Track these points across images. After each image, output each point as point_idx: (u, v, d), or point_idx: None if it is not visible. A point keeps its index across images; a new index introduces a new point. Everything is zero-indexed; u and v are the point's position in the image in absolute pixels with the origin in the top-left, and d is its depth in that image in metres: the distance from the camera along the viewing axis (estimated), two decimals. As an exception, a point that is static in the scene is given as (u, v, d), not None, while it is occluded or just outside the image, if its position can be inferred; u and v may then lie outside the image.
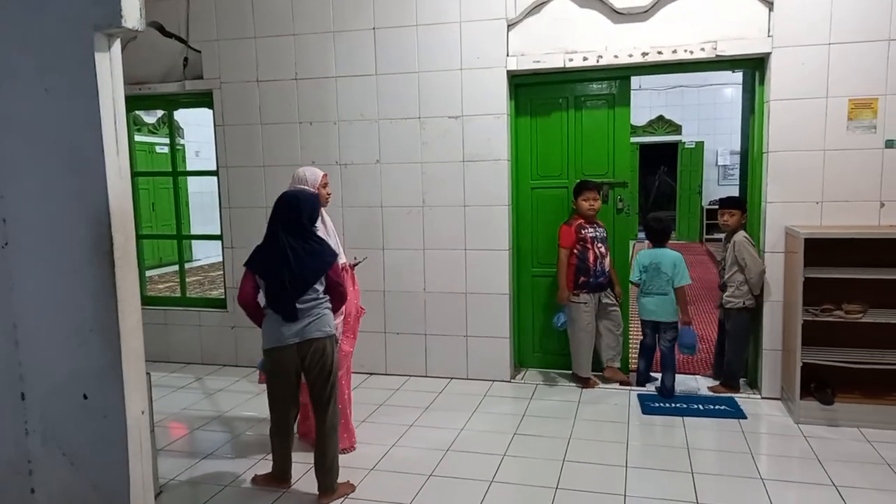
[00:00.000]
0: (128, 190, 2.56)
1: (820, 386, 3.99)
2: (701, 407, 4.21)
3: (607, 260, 4.66)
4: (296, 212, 3.09)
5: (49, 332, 2.48)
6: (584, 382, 4.66)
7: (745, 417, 4.06)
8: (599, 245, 4.60)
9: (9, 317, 2.47)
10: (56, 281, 2.47)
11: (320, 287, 3.10)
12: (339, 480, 3.17)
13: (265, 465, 3.50)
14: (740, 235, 4.37)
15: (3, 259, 2.46)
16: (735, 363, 4.49)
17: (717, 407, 4.20)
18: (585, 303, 4.58)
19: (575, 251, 4.58)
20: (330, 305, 3.16)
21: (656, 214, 4.95)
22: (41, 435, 2.51)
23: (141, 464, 2.54)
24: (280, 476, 3.25)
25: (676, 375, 4.52)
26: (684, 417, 4.07)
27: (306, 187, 3.46)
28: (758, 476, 3.33)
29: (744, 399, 4.36)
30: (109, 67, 2.44)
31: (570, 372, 4.77)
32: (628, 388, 4.62)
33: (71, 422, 2.48)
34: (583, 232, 4.58)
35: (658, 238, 4.67)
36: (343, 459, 3.36)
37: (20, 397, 2.49)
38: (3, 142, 2.44)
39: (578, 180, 4.71)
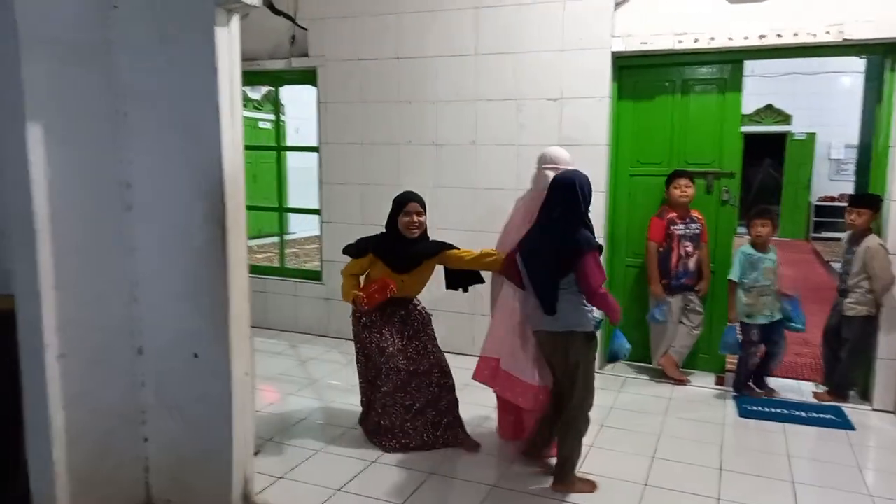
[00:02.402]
0: (241, 161, 2.67)
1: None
2: (804, 414, 3.97)
3: (693, 260, 4.44)
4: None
5: (165, 292, 2.64)
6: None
7: (854, 429, 3.79)
8: (687, 244, 4.41)
9: (129, 275, 2.64)
10: (173, 244, 2.61)
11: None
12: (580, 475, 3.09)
13: (352, 433, 3.61)
14: (874, 241, 3.99)
15: (126, 222, 2.62)
16: (850, 372, 4.19)
17: (821, 416, 3.95)
18: (668, 302, 4.43)
19: (661, 248, 4.43)
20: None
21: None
22: (155, 388, 2.69)
23: (243, 421, 2.67)
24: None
25: (781, 379, 4.29)
26: (785, 424, 3.85)
27: (569, 166, 3.21)
28: (865, 492, 3.11)
29: (852, 409, 4.08)
30: (228, 42, 2.54)
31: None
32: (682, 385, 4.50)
33: (182, 378, 2.64)
34: (672, 228, 4.41)
35: None
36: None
37: (138, 351, 2.67)
38: (129, 110, 2.59)
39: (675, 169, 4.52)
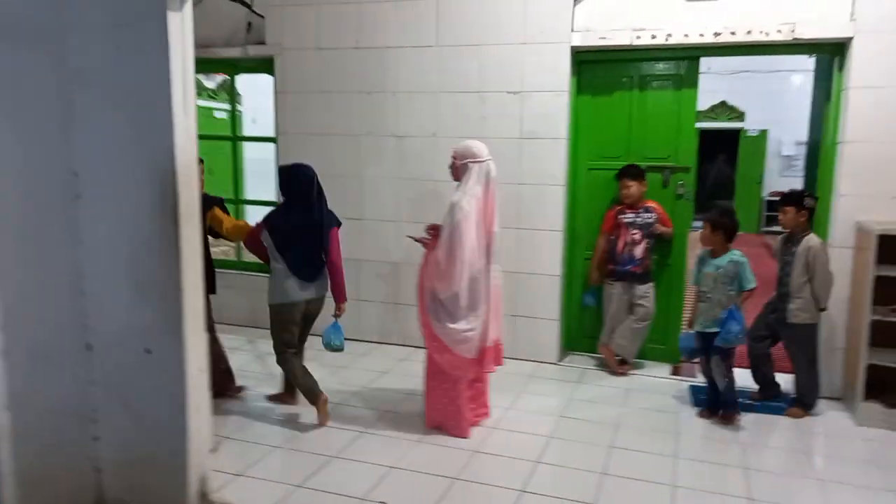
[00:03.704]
0: (194, 149, 2.59)
1: (884, 389, 3.81)
2: (757, 403, 4.08)
3: (640, 247, 4.46)
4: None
5: (115, 285, 2.54)
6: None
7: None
8: (634, 232, 4.47)
9: (77, 268, 2.54)
10: (122, 235, 2.53)
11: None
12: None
13: (315, 429, 3.57)
14: (816, 240, 3.84)
15: (73, 211, 2.52)
16: (812, 383, 3.96)
17: (773, 404, 4.06)
18: (614, 289, 4.54)
19: (611, 237, 4.54)
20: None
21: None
22: (105, 385, 2.60)
23: (199, 418, 2.60)
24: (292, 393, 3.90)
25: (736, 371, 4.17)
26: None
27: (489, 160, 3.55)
28: (813, 476, 3.22)
29: (800, 397, 4.21)
30: (181, 26, 2.46)
31: (619, 358, 4.67)
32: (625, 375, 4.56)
33: (133, 374, 2.56)
34: (619, 217, 4.50)
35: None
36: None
37: (86, 347, 2.57)
38: (76, 97, 2.49)
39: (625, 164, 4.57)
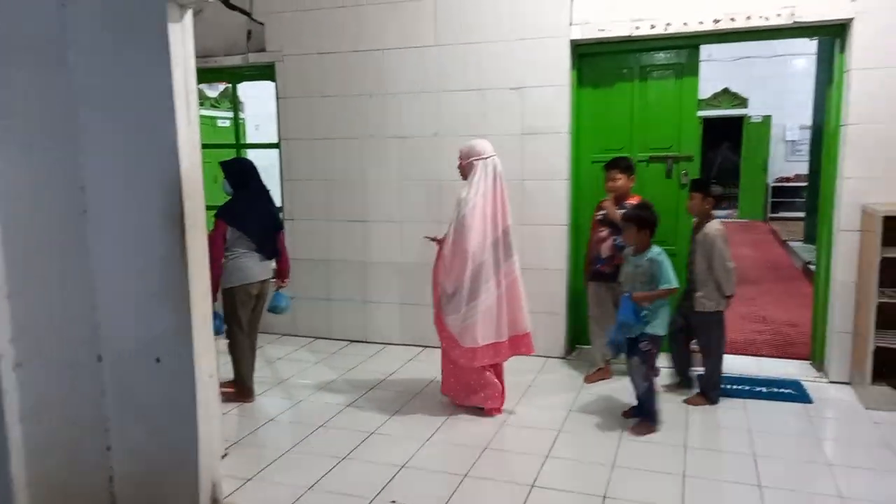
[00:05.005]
0: (198, 159, 2.62)
1: (892, 371, 3.81)
2: (764, 390, 4.08)
3: (605, 245, 4.17)
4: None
5: (124, 296, 2.58)
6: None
7: (812, 402, 3.91)
8: (602, 229, 4.20)
9: (86, 280, 2.58)
10: (131, 247, 2.56)
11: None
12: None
13: (324, 431, 3.60)
14: (713, 226, 3.77)
15: (81, 226, 2.56)
16: (716, 374, 3.89)
17: (780, 390, 4.07)
18: (590, 288, 4.33)
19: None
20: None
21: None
22: (116, 395, 2.63)
23: (209, 425, 2.64)
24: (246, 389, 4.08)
25: (736, 357, 4.14)
26: (746, 400, 3.95)
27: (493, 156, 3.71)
28: (824, 462, 3.22)
29: (810, 382, 4.20)
30: (181, 38, 2.49)
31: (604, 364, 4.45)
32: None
33: (144, 383, 2.59)
34: (596, 213, 4.29)
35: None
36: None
37: (97, 358, 2.61)
38: (81, 112, 2.52)
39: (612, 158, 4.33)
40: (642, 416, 3.58)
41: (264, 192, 4.07)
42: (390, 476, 3.11)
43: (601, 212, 4.25)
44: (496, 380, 3.76)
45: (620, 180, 4.15)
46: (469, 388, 3.77)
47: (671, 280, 3.44)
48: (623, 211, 3.86)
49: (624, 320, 3.46)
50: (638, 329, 3.47)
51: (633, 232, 3.53)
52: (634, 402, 3.68)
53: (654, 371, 3.57)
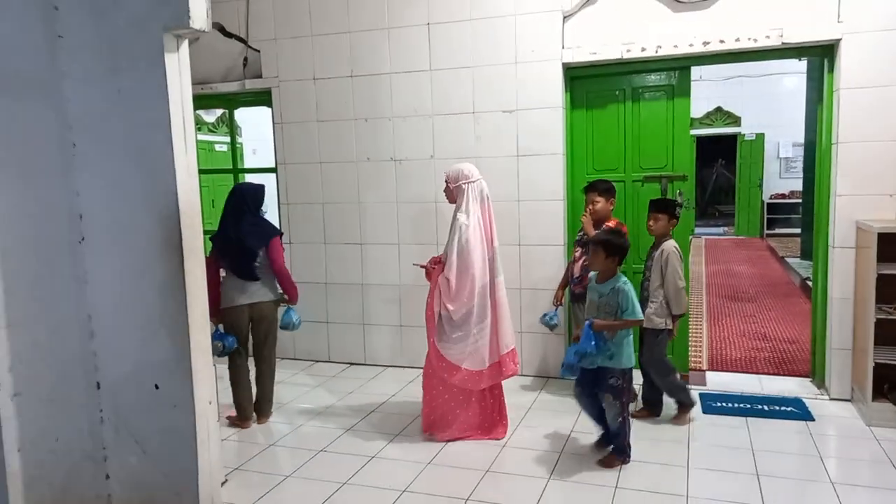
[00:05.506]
0: (196, 187, 2.63)
1: (894, 387, 3.80)
2: (765, 408, 4.07)
3: (577, 265, 4.21)
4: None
5: (122, 323, 2.58)
6: None
7: (813, 419, 3.90)
8: (576, 250, 4.26)
9: (84, 308, 2.58)
10: (128, 274, 2.56)
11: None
12: None
13: (323, 455, 3.57)
14: (670, 245, 3.84)
15: (79, 253, 2.57)
16: (677, 389, 3.91)
17: (782, 408, 4.06)
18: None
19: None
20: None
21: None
22: (115, 423, 2.62)
23: (209, 452, 2.62)
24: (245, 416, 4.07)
25: (736, 375, 4.16)
26: (748, 418, 3.94)
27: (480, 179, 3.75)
28: (827, 480, 3.20)
29: (811, 400, 4.20)
30: (178, 67, 2.52)
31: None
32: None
33: (143, 411, 2.58)
34: (579, 232, 4.30)
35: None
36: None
37: (95, 386, 2.60)
38: (79, 141, 2.54)
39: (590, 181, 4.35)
40: (614, 450, 3.42)
41: (242, 214, 3.99)
42: (392, 501, 3.09)
43: (581, 232, 4.28)
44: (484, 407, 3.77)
45: (599, 203, 4.13)
46: (458, 418, 3.73)
47: (636, 312, 3.30)
48: (593, 239, 3.75)
49: (581, 350, 3.23)
50: (598, 360, 3.31)
51: (601, 257, 3.36)
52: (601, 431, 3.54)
53: (628, 403, 3.42)
